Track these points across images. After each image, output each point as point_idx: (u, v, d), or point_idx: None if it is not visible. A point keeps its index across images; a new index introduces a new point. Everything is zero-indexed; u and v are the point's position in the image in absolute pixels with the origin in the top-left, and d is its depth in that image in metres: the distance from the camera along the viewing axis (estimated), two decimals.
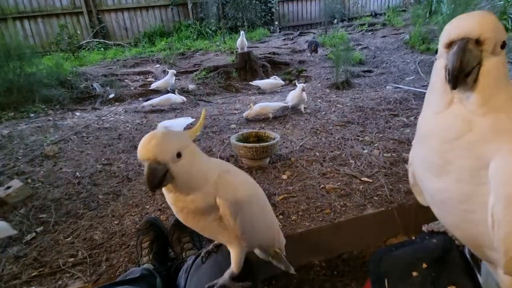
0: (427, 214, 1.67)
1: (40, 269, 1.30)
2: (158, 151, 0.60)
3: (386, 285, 0.57)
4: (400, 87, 3.69)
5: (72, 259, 1.35)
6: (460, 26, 0.54)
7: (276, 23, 8.39)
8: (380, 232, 1.62)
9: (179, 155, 0.62)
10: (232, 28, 7.81)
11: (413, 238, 0.74)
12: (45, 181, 2.12)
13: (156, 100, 3.76)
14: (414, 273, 0.54)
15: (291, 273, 0.93)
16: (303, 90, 3.11)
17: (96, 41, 7.48)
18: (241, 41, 4.86)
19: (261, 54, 5.59)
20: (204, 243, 1.37)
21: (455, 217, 0.58)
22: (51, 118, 3.63)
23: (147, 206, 1.71)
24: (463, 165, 0.54)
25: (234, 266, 0.69)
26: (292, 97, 3.17)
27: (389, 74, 4.42)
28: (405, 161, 2.00)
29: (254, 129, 2.59)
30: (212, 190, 0.66)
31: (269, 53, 5.75)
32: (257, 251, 0.91)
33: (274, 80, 4.29)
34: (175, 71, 4.48)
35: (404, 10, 8.11)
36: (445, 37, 0.56)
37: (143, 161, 0.61)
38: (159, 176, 0.60)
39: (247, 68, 4.98)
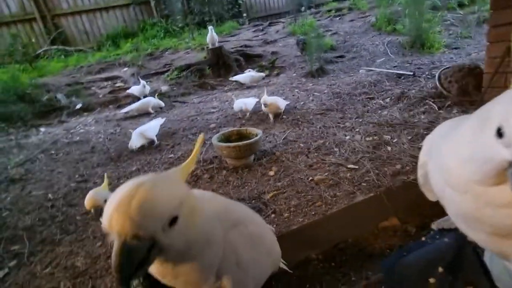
0: (416, 196, 1.70)
1: None
2: (141, 221, 0.38)
3: None
4: (372, 70, 3.76)
5: None
6: None
7: (245, 15, 8.24)
8: (372, 217, 1.63)
9: (174, 220, 0.41)
10: (200, 23, 7.56)
11: (423, 238, 0.72)
12: (13, 208, 1.94)
13: (135, 105, 3.55)
14: (431, 280, 0.52)
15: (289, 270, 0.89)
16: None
17: (55, 48, 6.94)
18: (211, 36, 4.71)
19: (233, 48, 5.47)
20: None
21: (479, 232, 0.54)
22: (13, 137, 3.34)
23: None
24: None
25: None
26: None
27: (361, 58, 4.49)
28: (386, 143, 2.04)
29: (234, 127, 2.52)
30: (215, 258, 0.50)
31: (241, 46, 5.64)
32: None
33: (255, 73, 4.20)
34: (144, 82, 4.07)
35: None
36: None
37: (114, 234, 0.39)
38: (139, 259, 0.39)
39: (220, 63, 4.85)
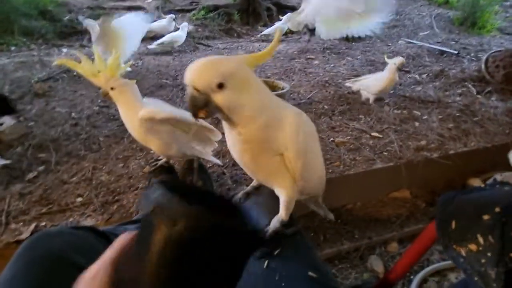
0: (432, 174, 1.69)
1: (48, 206, 1.28)
2: (196, 79, 0.55)
3: (453, 226, 0.56)
4: (413, 42, 3.49)
5: (80, 199, 1.33)
6: None
7: None
8: (385, 185, 1.66)
9: (220, 85, 0.55)
10: None
11: (482, 185, 0.72)
12: (39, 120, 2.00)
13: (165, 39, 3.40)
14: (486, 216, 0.53)
15: (330, 219, 0.93)
16: (399, 69, 2.04)
17: None
18: None
19: None
20: (215, 189, 1.36)
21: None
22: (35, 53, 3.32)
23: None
24: None
25: (283, 213, 0.67)
26: (377, 83, 2.07)
27: (403, 28, 4.13)
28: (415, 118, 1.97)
29: (260, 77, 2.44)
30: (280, 127, 0.61)
31: None
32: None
33: (280, 24, 3.92)
34: (173, 16, 3.89)
35: None
36: None
37: (187, 85, 0.57)
38: (198, 105, 0.57)
39: (250, 10, 4.54)
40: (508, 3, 4.68)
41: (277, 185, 0.68)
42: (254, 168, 0.69)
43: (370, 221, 1.56)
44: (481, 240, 0.52)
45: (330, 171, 1.53)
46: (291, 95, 2.34)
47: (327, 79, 2.61)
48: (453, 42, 3.45)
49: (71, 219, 1.23)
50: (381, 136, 1.78)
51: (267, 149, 0.62)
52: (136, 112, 1.04)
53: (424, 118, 1.97)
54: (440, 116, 1.98)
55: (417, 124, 1.91)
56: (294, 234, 0.68)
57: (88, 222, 1.20)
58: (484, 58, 2.57)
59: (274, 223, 0.67)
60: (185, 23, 3.74)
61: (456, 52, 3.01)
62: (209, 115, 0.59)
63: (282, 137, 0.61)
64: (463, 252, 0.54)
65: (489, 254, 0.50)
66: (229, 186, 1.39)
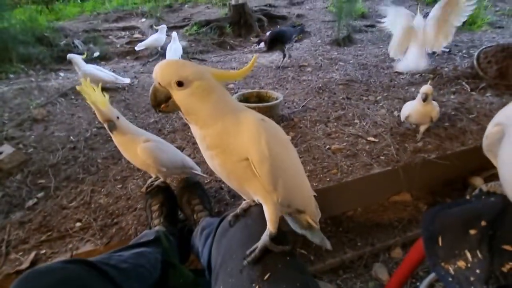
0: (431, 175, 1.68)
1: (48, 234, 1.28)
2: (159, 74, 0.63)
3: (440, 243, 0.55)
4: None
5: (79, 224, 1.33)
6: None
7: None
8: (384, 190, 1.65)
9: (180, 84, 0.62)
10: None
11: (468, 197, 0.72)
12: (37, 146, 2.02)
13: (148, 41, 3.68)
14: (472, 231, 0.52)
15: (327, 248, 0.92)
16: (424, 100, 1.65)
17: None
18: None
19: (256, 7, 5.15)
20: (214, 204, 1.36)
21: None
22: (33, 79, 3.38)
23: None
24: None
25: (270, 225, 0.68)
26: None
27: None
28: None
29: (254, 89, 2.46)
30: (241, 132, 0.65)
31: (265, 5, 5.30)
32: (290, 221, 0.90)
33: None
34: (165, 27, 4.07)
35: None
36: None
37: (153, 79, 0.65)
38: (159, 98, 0.64)
39: (242, 22, 4.61)
40: None
41: (253, 193, 0.69)
42: (225, 175, 0.71)
43: (372, 227, 1.54)
44: (469, 256, 0.51)
45: (328, 179, 1.52)
46: (286, 104, 2.36)
47: (320, 85, 2.63)
48: None
49: (70, 245, 1.23)
50: (377, 140, 1.78)
51: (231, 154, 0.65)
52: (134, 140, 1.11)
53: None
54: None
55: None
56: (284, 254, 0.67)
57: (87, 247, 1.19)
58: (475, 54, 2.58)
59: (264, 238, 0.68)
60: (163, 25, 3.98)
61: (447, 50, 3.03)
62: (169, 110, 0.66)
63: (243, 142, 0.64)
64: (451, 270, 0.53)
65: (477, 271, 0.49)
66: (227, 201, 1.39)
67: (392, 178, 1.59)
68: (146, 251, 0.87)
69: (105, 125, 1.10)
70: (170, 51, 3.43)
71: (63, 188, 1.58)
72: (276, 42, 3.01)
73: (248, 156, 0.64)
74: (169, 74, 0.62)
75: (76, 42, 4.37)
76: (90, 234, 1.26)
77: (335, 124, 2.01)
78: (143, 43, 3.82)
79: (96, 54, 4.12)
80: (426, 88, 1.68)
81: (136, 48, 3.79)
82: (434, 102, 1.75)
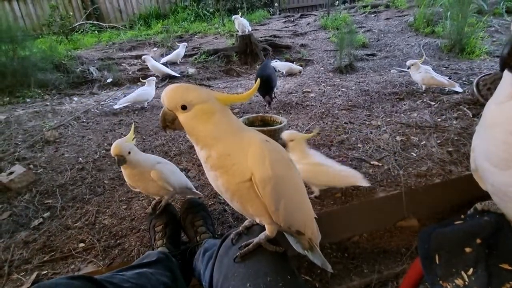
0: (437, 200, 1.65)
1: (51, 254, 1.28)
2: (166, 99, 0.68)
3: (437, 261, 0.55)
4: (405, 71, 3.62)
5: (82, 244, 1.33)
6: None
7: (276, 4, 8.12)
8: (390, 215, 1.62)
9: (184, 107, 0.67)
10: (231, 10, 7.54)
11: (462, 216, 0.72)
12: (47, 166, 2.08)
13: (131, 97, 3.17)
14: (468, 249, 0.52)
15: (328, 271, 0.92)
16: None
17: (90, 23, 7.21)
18: (239, 23, 4.73)
19: (261, 37, 5.43)
20: (217, 226, 1.36)
21: None
22: (48, 103, 3.54)
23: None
24: None
25: (268, 231, 0.69)
26: None
27: (393, 58, 4.33)
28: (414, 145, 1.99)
29: (259, 113, 2.53)
30: (244, 153, 0.68)
31: (270, 36, 5.59)
32: (292, 242, 0.90)
33: (294, 65, 4.17)
34: (186, 44, 4.65)
35: None
36: None
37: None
38: (166, 119, 0.70)
39: (248, 51, 4.84)
40: (492, 28, 4.92)
41: (256, 215, 0.70)
42: (229, 196, 0.72)
43: (379, 254, 1.50)
44: (466, 274, 0.51)
45: (332, 202, 1.52)
46: (290, 128, 2.41)
47: (323, 110, 2.69)
48: (444, 68, 3.58)
49: (72, 266, 1.23)
50: (380, 164, 1.79)
51: (234, 175, 0.67)
52: (144, 173, 1.16)
53: (422, 143, 1.99)
54: (438, 141, 1.99)
55: (416, 150, 1.92)
56: (276, 253, 0.68)
57: (89, 268, 1.19)
58: (475, 81, 2.65)
59: (260, 236, 0.70)
60: (184, 43, 4.45)
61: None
62: (174, 129, 0.71)
63: (247, 162, 0.66)
64: None
65: None
66: (230, 223, 1.39)
67: (396, 202, 1.57)
68: (148, 271, 0.87)
69: (115, 158, 1.12)
70: (134, 94, 3.16)
71: (69, 208, 1.60)
72: (269, 90, 2.83)
73: (251, 176, 0.66)
74: (174, 98, 0.67)
75: (91, 69, 4.63)
76: (93, 255, 1.26)
77: (338, 148, 2.03)
78: (166, 57, 4.52)
79: (110, 80, 4.34)
80: (286, 134, 1.38)
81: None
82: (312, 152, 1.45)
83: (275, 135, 2.08)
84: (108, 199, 1.67)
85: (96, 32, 6.98)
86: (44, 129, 2.71)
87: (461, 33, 4.13)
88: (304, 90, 3.33)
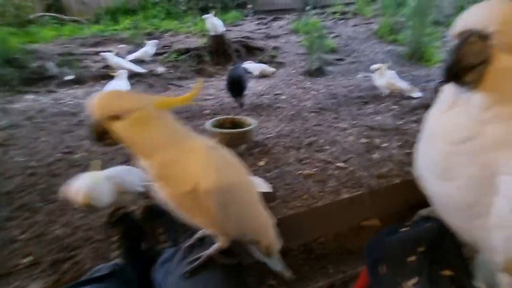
0: (397, 199, 1.74)
1: None
2: (95, 109, 0.61)
3: (383, 271, 0.56)
4: (370, 76, 3.80)
5: (29, 258, 1.21)
6: (468, 16, 0.48)
7: (250, 6, 8.14)
8: (354, 215, 1.68)
9: (115, 117, 0.61)
10: (204, 9, 7.40)
11: (405, 223, 0.74)
12: None
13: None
14: (411, 258, 0.54)
15: (287, 276, 0.91)
16: None
17: (49, 16, 6.66)
18: (211, 23, 4.66)
19: (234, 38, 5.40)
20: (179, 234, 1.30)
21: (457, 221, 0.58)
22: None
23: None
24: (469, 173, 0.51)
25: (220, 242, 0.66)
26: None
27: (360, 63, 4.53)
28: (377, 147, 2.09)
29: (229, 116, 2.51)
30: (187, 162, 0.64)
31: (243, 37, 5.57)
32: (251, 247, 0.88)
33: (267, 67, 4.17)
34: (157, 41, 4.49)
35: (374, 0, 8.31)
36: (454, 28, 0.51)
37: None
38: (97, 131, 0.62)
39: (220, 51, 4.78)
40: (445, 39, 5.36)
41: (205, 226, 0.67)
42: (174, 207, 0.69)
43: (343, 254, 1.54)
44: (410, 283, 0.52)
45: (299, 204, 1.54)
46: (260, 130, 2.41)
47: (293, 112, 2.73)
48: (405, 75, 3.82)
49: (16, 283, 1.10)
50: (346, 166, 1.85)
51: (178, 185, 0.64)
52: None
53: (384, 145, 2.09)
54: (399, 143, 2.11)
55: (378, 151, 2.01)
56: (230, 266, 0.65)
57: (34, 286, 1.08)
58: (431, 87, 2.85)
59: (212, 248, 0.66)
60: (155, 41, 4.35)
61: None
62: (112, 143, 0.64)
63: (191, 172, 0.63)
64: None
65: None
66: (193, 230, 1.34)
67: (360, 203, 1.63)
68: (99, 287, 0.81)
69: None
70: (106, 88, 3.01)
71: (16, 219, 1.45)
72: (240, 91, 2.82)
73: (196, 186, 0.62)
74: (104, 108, 0.61)
75: (49, 64, 4.28)
76: (39, 271, 1.15)
77: (307, 150, 2.07)
78: (133, 54, 4.32)
79: (70, 77, 4.04)
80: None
81: (128, 58, 3.53)
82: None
83: (245, 137, 2.08)
84: (62, 207, 1.53)
85: (56, 25, 6.47)
86: None
87: (420, 41, 4.44)
88: (276, 92, 3.36)
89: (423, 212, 0.78)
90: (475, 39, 0.46)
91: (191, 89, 0.71)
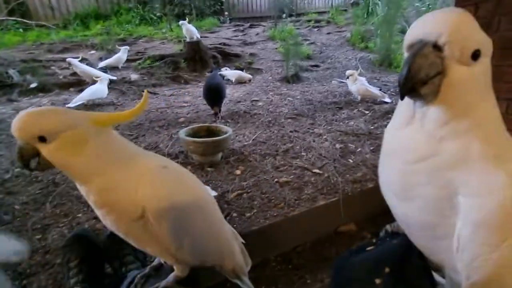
0: (372, 204, 1.77)
1: None
2: (17, 130, 0.55)
3: None
4: (343, 82, 3.92)
5: None
6: (419, 26, 0.46)
7: (226, 13, 8.16)
8: (331, 221, 1.68)
9: (42, 139, 0.55)
10: (179, 15, 7.32)
11: (373, 240, 0.73)
12: None
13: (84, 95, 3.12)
14: (377, 280, 0.52)
15: None
16: None
17: (12, 20, 6.25)
18: (187, 29, 4.61)
19: (211, 45, 5.36)
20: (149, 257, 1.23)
21: (421, 240, 0.57)
22: None
23: (79, 215, 1.47)
24: (428, 194, 0.49)
25: (177, 271, 0.60)
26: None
27: (334, 69, 4.66)
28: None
29: (205, 123, 2.45)
30: (133, 185, 0.57)
31: (220, 44, 5.56)
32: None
33: (244, 73, 4.17)
34: (128, 47, 4.37)
35: (346, 10, 8.67)
36: (405, 39, 0.48)
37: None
38: (25, 157, 0.56)
39: (197, 58, 4.72)
40: None
41: (157, 255, 0.62)
42: (122, 235, 0.63)
43: (321, 262, 1.53)
44: None
45: (275, 214, 1.51)
46: (237, 137, 2.38)
47: (270, 119, 2.73)
48: (376, 80, 3.98)
49: None
50: (321, 172, 1.86)
51: (123, 212, 0.58)
52: None
53: (358, 150, 2.13)
54: (371, 147, 2.16)
55: (352, 156, 2.05)
56: None
57: None
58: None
59: (168, 278, 0.60)
60: (126, 47, 4.32)
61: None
62: (43, 168, 0.57)
63: (138, 196, 0.57)
64: None
65: None
66: None
67: (336, 209, 1.63)
68: None
69: None
70: (88, 91, 3.15)
71: None
72: (217, 100, 2.73)
73: (144, 213, 0.57)
74: (27, 129, 0.54)
75: (11, 71, 3.98)
76: None
77: (283, 157, 2.06)
78: (104, 61, 4.25)
79: (34, 85, 3.78)
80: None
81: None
82: None
83: (220, 145, 2.03)
84: (17, 228, 1.40)
85: (20, 30, 6.08)
86: None
87: (389, 49, 4.66)
88: (253, 99, 3.36)
89: (389, 227, 0.77)
90: (428, 50, 0.44)
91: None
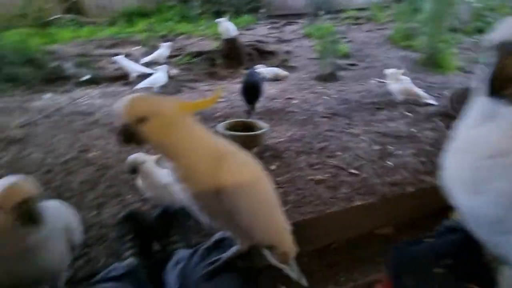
0: (411, 208, 1.70)
1: None
2: (123, 112, 0.64)
3: (407, 282, 0.55)
4: (383, 82, 3.75)
5: None
6: (506, 27, 0.47)
7: (263, 10, 8.19)
8: (367, 222, 1.64)
9: (141, 119, 0.63)
10: (217, 12, 7.50)
11: (430, 233, 0.72)
12: (9, 167, 1.93)
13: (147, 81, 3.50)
14: (438, 269, 0.52)
15: (303, 285, 0.89)
16: None
17: (69, 18, 6.88)
18: (224, 27, 4.71)
19: (246, 42, 5.43)
20: (192, 235, 1.31)
21: (486, 234, 0.57)
22: (16, 99, 3.32)
23: (129, 196, 1.61)
24: (500, 188, 0.50)
25: (239, 246, 0.67)
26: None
27: (373, 69, 4.47)
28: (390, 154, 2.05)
29: (240, 118, 2.51)
30: (213, 165, 0.65)
31: (255, 41, 5.61)
32: (267, 254, 0.87)
33: (281, 71, 4.18)
34: (171, 43, 4.60)
35: (388, 6, 8.23)
36: (493, 38, 0.49)
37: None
38: (125, 134, 0.65)
39: (233, 55, 4.82)
40: (463, 45, 5.24)
41: (226, 229, 0.67)
42: (197, 209, 0.70)
43: (356, 261, 1.51)
44: None
45: (310, 210, 1.52)
46: (272, 134, 2.40)
47: (305, 117, 2.72)
48: (419, 81, 3.75)
49: None
50: (358, 172, 1.82)
51: (202, 188, 0.65)
52: None
53: (398, 153, 2.05)
54: (413, 151, 2.06)
55: (392, 159, 1.97)
56: (247, 270, 0.65)
57: None
58: (447, 95, 2.79)
59: (231, 250, 0.67)
60: (169, 43, 4.53)
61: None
62: (139, 144, 0.67)
63: (216, 176, 0.63)
64: None
65: None
66: (207, 232, 1.34)
67: (373, 211, 1.60)
68: (113, 286, 0.81)
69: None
70: (151, 78, 3.52)
71: None
72: (255, 97, 2.68)
73: (220, 190, 0.63)
74: (132, 110, 0.64)
75: (67, 65, 4.41)
76: None
77: (318, 155, 2.05)
78: (147, 57, 4.44)
79: (86, 77, 4.14)
80: (132, 159, 1.22)
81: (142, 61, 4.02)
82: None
83: (256, 141, 2.07)
84: (76, 204, 1.56)
85: (75, 27, 6.68)
86: (9, 127, 2.53)
87: (435, 48, 4.35)
88: (287, 97, 3.36)
89: (447, 222, 0.75)
90: None
91: (212, 94, 0.72)
